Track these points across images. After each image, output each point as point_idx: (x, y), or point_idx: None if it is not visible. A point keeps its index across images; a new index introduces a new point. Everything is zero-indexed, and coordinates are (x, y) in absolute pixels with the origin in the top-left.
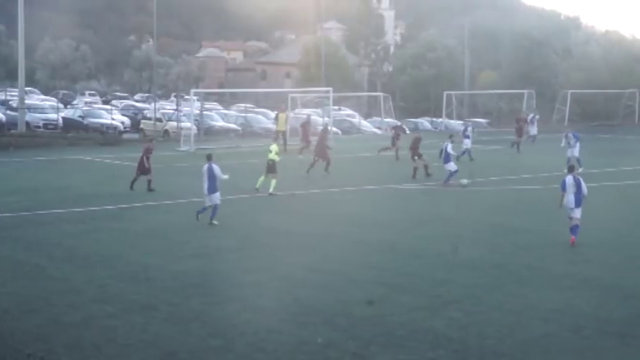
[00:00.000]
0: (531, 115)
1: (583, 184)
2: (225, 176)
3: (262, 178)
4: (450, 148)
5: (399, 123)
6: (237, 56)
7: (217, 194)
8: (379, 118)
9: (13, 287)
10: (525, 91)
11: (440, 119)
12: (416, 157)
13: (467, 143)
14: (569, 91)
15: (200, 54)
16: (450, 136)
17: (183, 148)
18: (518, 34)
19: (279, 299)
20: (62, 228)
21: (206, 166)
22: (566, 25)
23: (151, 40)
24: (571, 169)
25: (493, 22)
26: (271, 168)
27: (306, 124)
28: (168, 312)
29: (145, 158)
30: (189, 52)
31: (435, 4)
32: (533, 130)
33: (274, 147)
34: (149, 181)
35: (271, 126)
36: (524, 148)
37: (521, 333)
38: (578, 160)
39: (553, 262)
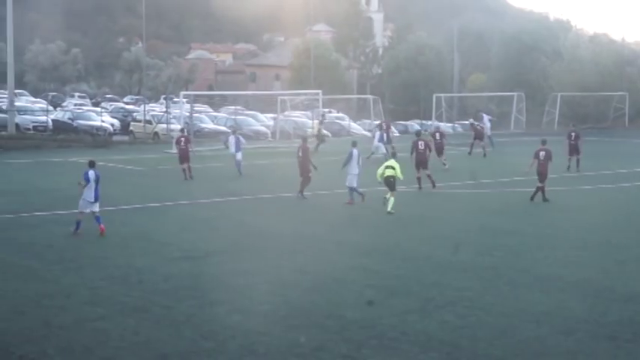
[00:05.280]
0: None
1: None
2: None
3: (389, 195)
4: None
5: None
6: (227, 59)
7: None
8: (369, 121)
9: (4, 289)
10: (515, 93)
11: (429, 122)
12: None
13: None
14: (559, 94)
15: (189, 56)
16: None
17: (173, 150)
18: (507, 36)
19: (269, 302)
20: (52, 230)
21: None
22: (555, 27)
23: (140, 42)
24: (91, 165)
25: (482, 25)
26: (392, 184)
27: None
28: (159, 314)
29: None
30: (179, 54)
31: (424, 6)
32: None
33: (394, 162)
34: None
35: (260, 128)
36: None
37: (513, 335)
38: None
39: (544, 265)
